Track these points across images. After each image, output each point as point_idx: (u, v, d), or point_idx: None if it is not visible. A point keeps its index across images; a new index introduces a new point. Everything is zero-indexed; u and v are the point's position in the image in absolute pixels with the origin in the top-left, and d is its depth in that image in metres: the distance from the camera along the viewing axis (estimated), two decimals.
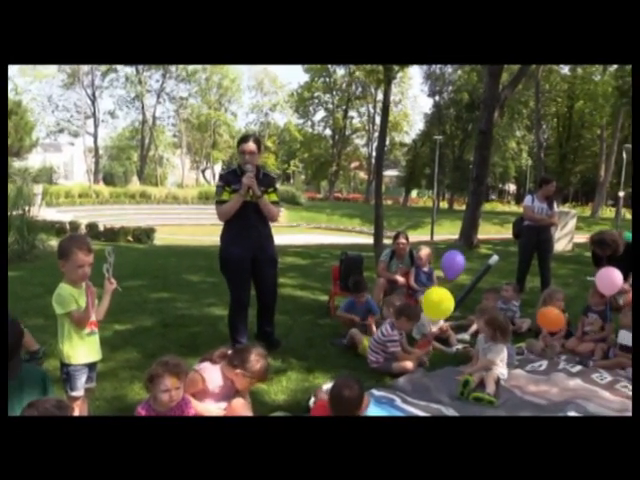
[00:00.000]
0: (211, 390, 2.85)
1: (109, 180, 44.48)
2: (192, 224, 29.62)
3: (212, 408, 2.78)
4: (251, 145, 4.07)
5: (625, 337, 4.46)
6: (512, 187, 63.80)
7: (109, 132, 52.81)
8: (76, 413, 2.64)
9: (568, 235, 15.58)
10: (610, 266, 5.03)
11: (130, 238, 14.64)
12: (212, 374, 2.86)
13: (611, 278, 4.85)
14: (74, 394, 2.71)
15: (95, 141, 45.24)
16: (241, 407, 2.84)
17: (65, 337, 2.69)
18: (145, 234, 15.08)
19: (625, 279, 5.00)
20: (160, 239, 16.23)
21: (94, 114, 44.98)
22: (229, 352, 2.95)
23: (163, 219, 28.27)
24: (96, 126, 45.21)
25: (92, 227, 14.79)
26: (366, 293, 5.13)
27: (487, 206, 41.78)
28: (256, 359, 2.81)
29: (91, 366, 2.83)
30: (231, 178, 4.11)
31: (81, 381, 2.73)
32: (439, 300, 4.24)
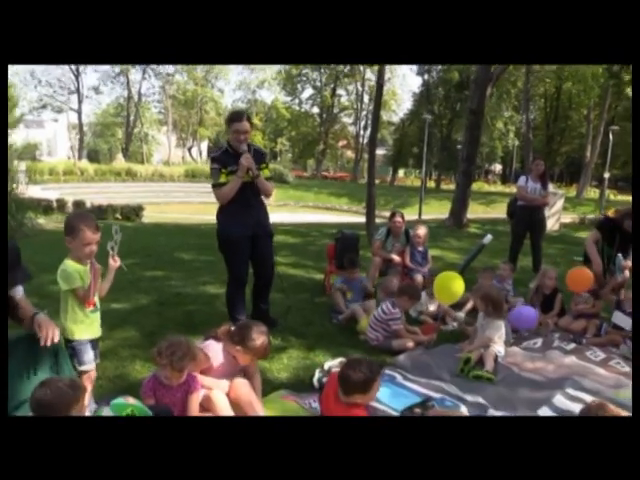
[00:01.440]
0: (215, 367, 2.86)
1: (93, 157, 43.75)
2: (180, 202, 29.42)
3: (222, 383, 2.79)
4: (246, 124, 3.99)
5: (618, 318, 4.55)
6: (498, 167, 64.06)
7: (93, 108, 52.08)
8: (88, 389, 2.64)
9: (555, 215, 15.74)
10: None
11: (118, 216, 14.47)
12: (216, 351, 2.87)
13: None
14: (84, 368, 2.72)
15: (79, 117, 44.34)
16: (242, 386, 2.84)
17: (69, 313, 2.71)
18: (134, 212, 14.93)
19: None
20: (148, 217, 16.08)
21: (78, 90, 44.02)
22: (232, 329, 2.96)
23: (150, 197, 27.95)
24: (80, 102, 44.27)
25: (79, 205, 14.60)
26: (357, 270, 5.18)
27: (474, 186, 42.03)
28: (257, 335, 2.82)
29: (94, 343, 2.83)
30: (226, 159, 4.01)
31: (89, 355, 2.75)
32: (450, 284, 4.27)
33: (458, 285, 4.29)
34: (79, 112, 44.30)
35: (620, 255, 4.89)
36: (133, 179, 33.54)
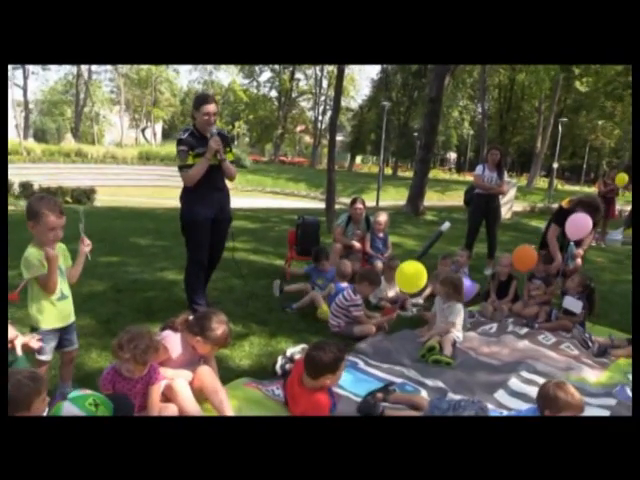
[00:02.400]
0: (175, 358, 2.80)
1: (40, 137, 41.87)
2: (132, 185, 28.59)
3: (182, 373, 2.73)
4: (214, 106, 4.05)
5: (568, 302, 4.73)
6: (453, 156, 65.41)
7: (40, 85, 49.76)
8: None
9: (508, 204, 16.20)
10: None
11: (69, 199, 13.91)
12: (174, 342, 2.81)
13: (580, 223, 5.03)
14: (41, 358, 2.66)
15: (25, 94, 42.33)
16: (207, 374, 2.81)
17: (34, 301, 2.63)
18: (85, 195, 14.41)
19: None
20: (100, 200, 15.56)
21: (23, 65, 41.87)
22: (190, 318, 2.90)
23: (102, 180, 27.05)
24: (25, 77, 42.27)
25: (26, 186, 13.94)
26: (325, 262, 5.22)
27: (429, 174, 42.80)
28: (216, 325, 2.78)
29: (66, 329, 2.78)
30: (193, 141, 4.03)
31: (50, 345, 2.68)
32: (415, 274, 4.31)
33: (422, 277, 4.34)
34: (24, 89, 42.31)
35: (572, 243, 5.07)
36: (83, 161, 32.34)
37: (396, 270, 4.62)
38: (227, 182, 4.34)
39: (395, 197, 26.66)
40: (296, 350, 3.47)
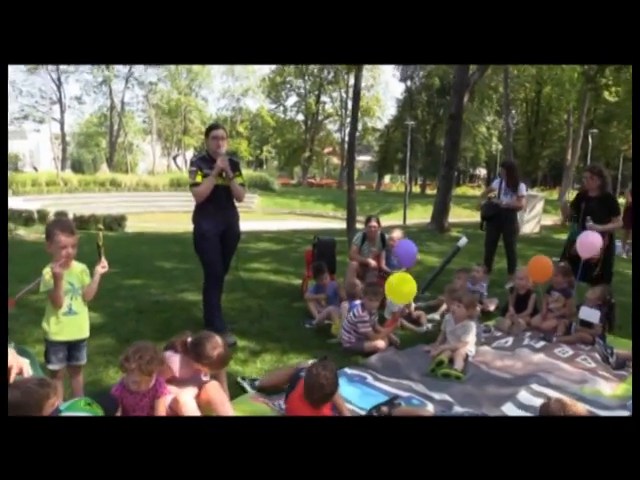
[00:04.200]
0: (178, 377, 2.89)
1: (77, 168, 43.47)
2: (164, 211, 29.28)
3: (187, 389, 2.82)
4: (222, 132, 4.40)
5: (584, 312, 4.65)
6: (483, 171, 64.66)
7: (76, 118, 51.56)
8: (58, 387, 2.69)
9: (536, 217, 15.98)
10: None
11: (101, 226, 14.31)
12: (175, 362, 2.88)
13: (591, 241, 5.04)
14: (49, 367, 2.86)
15: (62, 128, 44.06)
16: (215, 388, 2.89)
17: (46, 314, 2.86)
18: (116, 222, 14.84)
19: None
20: (132, 227, 16.00)
21: (60, 100, 43.73)
22: (188, 340, 2.95)
23: (134, 207, 27.81)
24: (62, 112, 43.99)
25: (61, 216, 14.45)
26: (326, 276, 5.35)
27: (458, 190, 42.31)
28: (210, 350, 2.80)
29: (73, 345, 2.93)
30: (202, 164, 4.34)
31: (56, 356, 2.86)
32: (399, 284, 4.33)
33: (410, 286, 4.35)
34: (62, 122, 44.04)
35: (589, 218, 5.14)
36: (117, 189, 33.41)
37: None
38: (239, 203, 4.55)
39: (423, 215, 26.48)
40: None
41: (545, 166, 47.67)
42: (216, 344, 2.83)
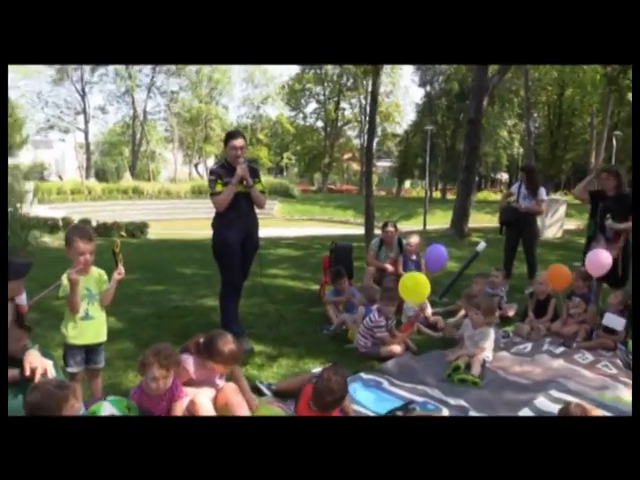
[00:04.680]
0: (194, 379, 2.94)
1: (101, 176, 44.24)
2: (185, 218, 29.63)
3: (204, 391, 2.87)
4: (242, 141, 4.40)
5: (609, 319, 4.57)
6: (504, 176, 63.94)
7: (100, 128, 52.50)
8: (77, 389, 2.77)
9: (558, 222, 15.72)
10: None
11: (123, 233, 14.63)
12: (191, 364, 2.93)
13: (599, 260, 4.98)
14: (68, 369, 2.94)
15: (86, 137, 44.97)
16: (232, 391, 2.94)
17: (64, 319, 2.95)
18: (138, 229, 15.09)
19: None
20: (154, 234, 16.25)
21: (84, 110, 44.66)
22: (200, 341, 3.01)
23: (156, 214, 28.24)
24: (87, 122, 44.91)
25: (85, 223, 14.75)
26: (344, 280, 5.34)
27: (479, 195, 41.90)
28: (222, 347, 2.85)
29: (90, 349, 3.00)
30: (222, 172, 4.35)
31: (74, 359, 2.94)
32: (413, 284, 4.33)
33: (423, 286, 4.35)
34: (86, 132, 44.95)
35: (609, 216, 5.10)
36: (140, 197, 33.95)
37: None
38: (258, 210, 4.58)
39: (443, 220, 26.27)
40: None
41: (568, 169, 46.93)
42: (227, 340, 2.88)
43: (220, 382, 2.97)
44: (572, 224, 20.34)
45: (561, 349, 4.50)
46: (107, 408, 2.47)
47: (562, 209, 15.90)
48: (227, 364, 2.92)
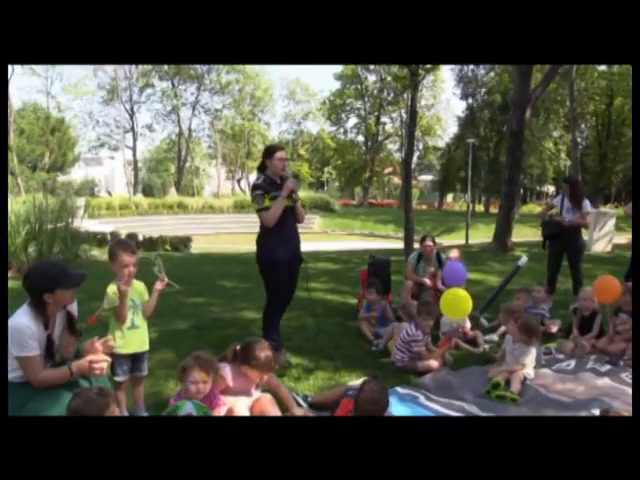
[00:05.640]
0: (231, 387, 3.01)
1: (148, 192, 45.73)
2: (228, 232, 30.19)
3: (241, 399, 2.94)
4: (285, 152, 4.34)
5: None
6: (551, 189, 62.29)
7: (147, 145, 54.42)
8: (121, 398, 2.92)
9: (607, 236, 15.20)
10: None
11: (168, 247, 15.07)
12: (228, 372, 3.02)
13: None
14: (115, 379, 3.06)
15: (134, 154, 46.59)
16: (268, 401, 3.01)
17: (110, 329, 3.07)
18: (182, 243, 15.50)
19: None
20: (197, 248, 16.65)
21: (132, 128, 46.37)
22: (237, 349, 3.10)
23: (200, 228, 28.92)
24: (135, 140, 46.59)
25: (132, 237, 15.29)
26: (372, 291, 5.33)
27: (524, 208, 40.92)
28: (259, 352, 2.95)
29: (136, 357, 3.13)
30: (266, 186, 4.24)
31: (122, 368, 3.06)
32: (455, 300, 4.28)
33: (464, 303, 4.29)
34: (134, 149, 46.61)
35: None
36: (184, 212, 34.87)
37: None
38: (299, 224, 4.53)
39: (486, 234, 25.74)
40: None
41: (618, 181, 45.32)
42: (263, 347, 2.97)
43: (256, 393, 3.04)
44: (623, 238, 19.56)
45: (607, 367, 4.35)
46: (188, 408, 2.57)
47: (611, 222, 15.37)
48: (263, 370, 2.98)
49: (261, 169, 4.38)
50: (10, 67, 34.35)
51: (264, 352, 2.94)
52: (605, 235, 15.11)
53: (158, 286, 3.17)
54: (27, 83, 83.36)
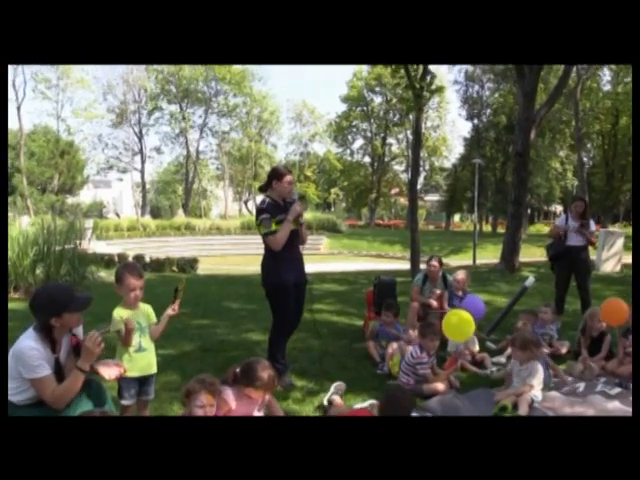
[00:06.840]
0: (234, 409, 2.98)
1: (156, 213, 46.09)
2: (235, 254, 30.23)
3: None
4: (292, 177, 4.32)
5: None
6: (559, 208, 62.13)
7: (155, 167, 54.91)
8: None
9: (616, 256, 15.08)
10: None
11: (174, 268, 15.09)
12: (230, 395, 2.98)
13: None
14: (122, 402, 3.04)
15: (142, 176, 47.05)
16: None
17: (117, 353, 3.05)
18: (189, 264, 15.51)
19: None
20: (203, 269, 16.66)
21: (141, 151, 46.93)
22: (237, 371, 3.07)
23: (207, 250, 29.01)
24: (143, 162, 47.08)
25: (139, 258, 15.35)
26: (388, 314, 5.26)
27: (531, 229, 40.79)
28: (261, 373, 2.91)
29: (144, 380, 3.11)
30: (273, 210, 4.23)
31: (129, 392, 3.04)
32: (457, 322, 4.24)
33: (466, 324, 4.25)
34: (142, 171, 47.07)
35: None
36: (192, 233, 35.03)
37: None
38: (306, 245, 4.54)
39: (494, 254, 25.63)
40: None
41: (627, 201, 45.15)
42: (264, 366, 2.95)
43: (259, 414, 3.01)
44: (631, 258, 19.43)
45: (617, 390, 4.28)
46: None
47: (620, 242, 15.26)
48: (268, 389, 2.96)
49: (264, 189, 4.38)
50: (22, 92, 35.11)
51: (266, 372, 2.92)
52: (614, 255, 15.00)
53: (169, 312, 3.15)
54: (38, 106, 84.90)
